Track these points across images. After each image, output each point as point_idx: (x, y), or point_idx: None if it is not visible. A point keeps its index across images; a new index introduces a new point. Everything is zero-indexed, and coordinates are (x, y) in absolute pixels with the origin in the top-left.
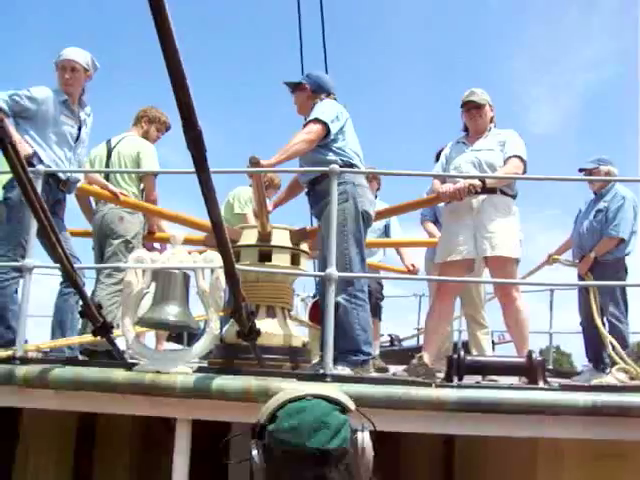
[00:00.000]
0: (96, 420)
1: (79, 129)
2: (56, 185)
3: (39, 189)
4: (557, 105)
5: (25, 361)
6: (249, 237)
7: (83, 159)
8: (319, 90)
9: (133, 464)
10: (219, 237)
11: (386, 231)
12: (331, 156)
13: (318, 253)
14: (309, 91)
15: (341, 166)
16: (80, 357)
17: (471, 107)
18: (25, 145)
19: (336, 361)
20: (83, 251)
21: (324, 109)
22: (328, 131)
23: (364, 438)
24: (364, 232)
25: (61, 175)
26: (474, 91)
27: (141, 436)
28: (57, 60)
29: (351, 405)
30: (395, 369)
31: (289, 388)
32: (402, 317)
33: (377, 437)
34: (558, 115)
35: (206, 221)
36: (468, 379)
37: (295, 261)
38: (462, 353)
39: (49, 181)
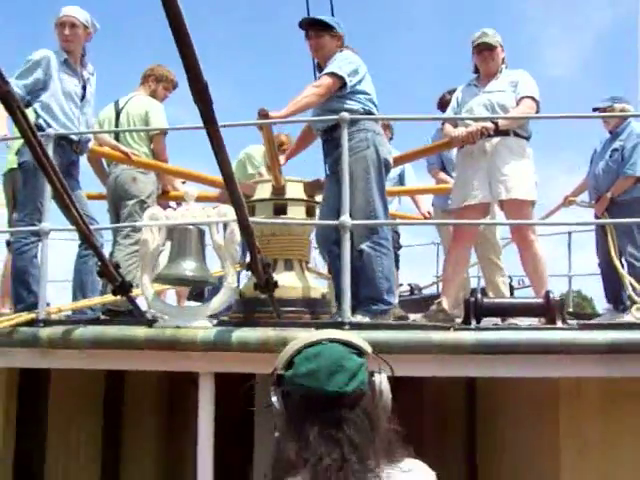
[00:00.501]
0: (123, 378)
1: (84, 88)
2: (69, 147)
3: (51, 152)
4: (573, 46)
5: (48, 323)
6: (263, 191)
7: (91, 119)
8: (342, 41)
9: (161, 420)
10: (231, 190)
11: (400, 179)
12: (352, 104)
13: (323, 204)
14: (341, 40)
15: (362, 114)
16: (102, 317)
17: (483, 49)
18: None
19: (356, 310)
20: (99, 214)
21: (341, 63)
22: (344, 84)
23: (381, 381)
24: (385, 181)
25: (73, 136)
26: (486, 32)
27: (168, 392)
28: (56, 19)
29: (368, 348)
30: (415, 317)
31: (305, 335)
32: (421, 266)
33: (397, 382)
34: (575, 56)
35: (219, 177)
36: (487, 322)
37: (310, 213)
38: (479, 296)
39: (61, 143)
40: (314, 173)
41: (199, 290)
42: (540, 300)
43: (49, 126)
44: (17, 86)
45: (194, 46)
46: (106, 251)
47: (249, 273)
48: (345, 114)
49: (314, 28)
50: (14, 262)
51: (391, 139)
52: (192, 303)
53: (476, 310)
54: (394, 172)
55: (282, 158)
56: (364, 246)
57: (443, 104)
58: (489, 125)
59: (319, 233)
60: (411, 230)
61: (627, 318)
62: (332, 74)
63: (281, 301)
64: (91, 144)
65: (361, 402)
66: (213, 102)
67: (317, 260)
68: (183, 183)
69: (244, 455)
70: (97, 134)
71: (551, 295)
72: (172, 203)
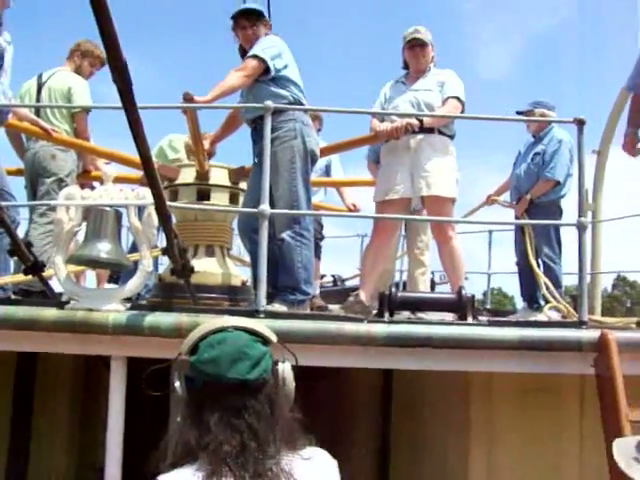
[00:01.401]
0: (36, 359)
1: (1, 57)
2: None
3: None
4: (507, 49)
5: None
6: (187, 176)
7: (7, 90)
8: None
9: (74, 404)
10: (148, 172)
11: (327, 171)
12: (281, 91)
13: (248, 191)
14: (268, 26)
15: (291, 102)
16: (13, 297)
17: (415, 45)
18: None
19: (273, 298)
20: (18, 190)
21: (265, 45)
22: (267, 68)
23: (285, 369)
24: (310, 172)
25: None
26: (418, 29)
27: (81, 374)
28: None
29: (273, 337)
30: (335, 308)
31: (212, 321)
32: (344, 258)
33: (310, 372)
34: (508, 60)
35: None
36: (403, 316)
37: (234, 200)
38: (394, 289)
39: None
40: (241, 161)
41: (119, 274)
42: (452, 296)
43: None
44: None
45: (113, 22)
46: (23, 229)
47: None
48: (269, 103)
49: (250, 18)
50: None
51: (319, 130)
52: (112, 285)
53: (390, 303)
54: (321, 163)
55: (206, 143)
56: (285, 235)
57: None
58: (414, 122)
59: (241, 220)
60: (338, 222)
61: (540, 317)
62: (255, 56)
63: (201, 287)
64: (10, 117)
65: (263, 390)
66: (132, 83)
67: (241, 248)
68: (107, 164)
69: (156, 440)
70: (16, 108)
71: (463, 291)
72: (96, 184)
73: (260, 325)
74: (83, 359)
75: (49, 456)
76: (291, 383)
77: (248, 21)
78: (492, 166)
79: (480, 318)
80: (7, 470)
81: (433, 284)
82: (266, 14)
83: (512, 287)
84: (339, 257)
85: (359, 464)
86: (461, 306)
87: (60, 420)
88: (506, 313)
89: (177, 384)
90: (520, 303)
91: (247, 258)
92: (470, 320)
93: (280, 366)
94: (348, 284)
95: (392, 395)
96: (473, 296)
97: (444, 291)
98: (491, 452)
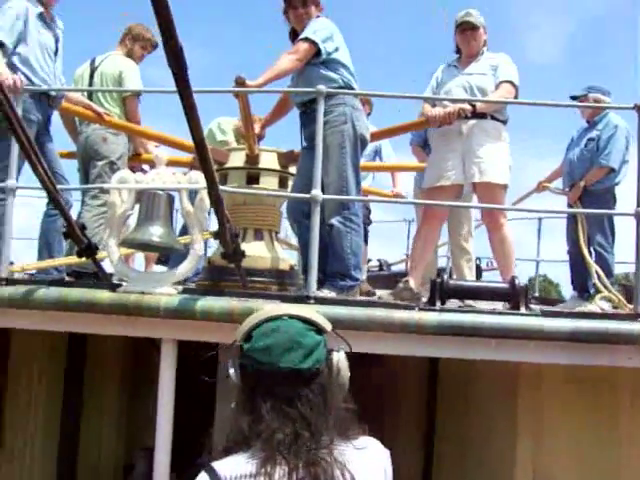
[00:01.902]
0: (86, 341)
1: (56, 42)
2: (47, 102)
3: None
4: (557, 33)
5: (11, 282)
6: (237, 159)
7: (60, 76)
8: (318, 6)
9: (123, 385)
10: (201, 156)
11: (375, 156)
12: (331, 74)
13: (297, 175)
14: (320, 7)
15: (341, 86)
16: (67, 279)
17: (466, 28)
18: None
19: (323, 284)
20: (70, 173)
21: (316, 27)
22: (318, 50)
23: (339, 359)
24: (360, 156)
25: (53, 92)
26: (470, 12)
27: (131, 356)
28: None
29: (328, 326)
30: (382, 294)
31: (266, 309)
32: (391, 242)
33: (358, 358)
34: (558, 43)
35: (192, 142)
36: (450, 304)
37: (283, 184)
38: (446, 277)
39: (41, 99)
40: (289, 144)
41: (168, 255)
42: (505, 285)
43: (29, 80)
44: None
45: (170, 6)
46: (75, 211)
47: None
48: (322, 87)
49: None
50: None
51: (369, 114)
52: (160, 267)
53: (441, 291)
54: (370, 147)
55: (257, 127)
56: (334, 221)
57: None
58: (467, 107)
59: (290, 204)
60: (383, 206)
61: (591, 306)
62: (307, 39)
63: (249, 271)
64: (63, 101)
65: (317, 379)
66: (187, 66)
67: (288, 231)
68: (156, 147)
69: (205, 423)
70: (70, 92)
71: (516, 280)
72: (145, 166)
73: (315, 313)
74: (131, 341)
75: (98, 438)
76: (346, 373)
77: (300, 1)
78: (539, 151)
79: (532, 307)
80: (59, 451)
81: (479, 271)
82: None
83: (557, 274)
84: (384, 241)
85: (403, 451)
86: (514, 295)
87: (109, 402)
88: (554, 302)
89: (232, 371)
90: (566, 291)
91: (294, 241)
92: (523, 310)
93: (335, 355)
94: (394, 269)
95: (438, 383)
96: (526, 285)
97: (491, 279)
98: (538, 444)
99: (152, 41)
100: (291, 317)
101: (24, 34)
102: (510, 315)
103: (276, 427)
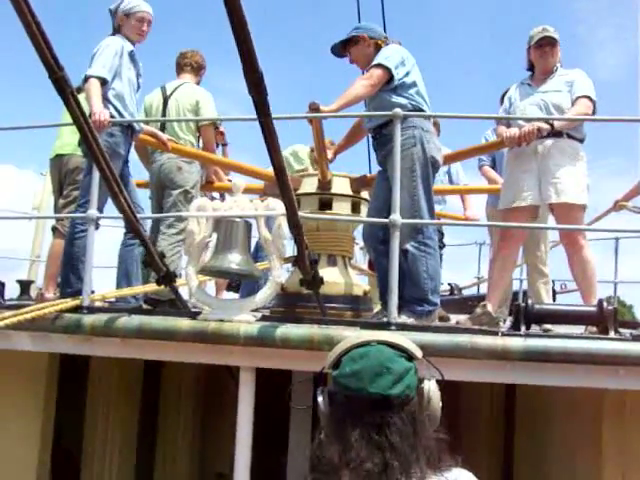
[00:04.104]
0: (162, 368)
1: (137, 78)
2: (130, 136)
3: (121, 141)
4: (624, 50)
5: (92, 310)
6: (309, 185)
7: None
8: (377, 35)
9: (197, 412)
10: (282, 184)
11: (449, 178)
12: (401, 100)
13: (372, 200)
14: (367, 39)
15: (410, 110)
16: (144, 306)
17: (545, 44)
18: (103, 111)
19: (400, 310)
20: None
21: (388, 54)
22: (391, 76)
23: (430, 387)
24: (432, 179)
25: (136, 126)
26: (547, 28)
27: (204, 384)
28: (130, 9)
29: (418, 353)
30: (456, 318)
31: (354, 335)
32: (460, 266)
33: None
34: (625, 60)
35: (264, 169)
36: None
37: (355, 209)
38: (530, 301)
39: (127, 132)
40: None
41: (239, 282)
42: (593, 308)
43: (120, 115)
44: (103, 73)
45: (251, 37)
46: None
47: (290, 266)
48: (398, 110)
49: (343, 49)
50: (66, 248)
51: (438, 136)
52: (231, 294)
53: (526, 316)
54: (441, 170)
55: (330, 153)
56: (409, 246)
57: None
58: (544, 126)
59: (366, 230)
60: (451, 230)
61: None
62: (379, 65)
63: (324, 297)
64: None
65: (407, 407)
66: (267, 94)
67: (358, 257)
68: (226, 174)
69: (279, 452)
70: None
71: (604, 304)
72: (215, 194)
73: (405, 340)
74: (206, 368)
75: (172, 463)
76: (437, 403)
77: (344, 51)
78: (606, 170)
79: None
80: (136, 475)
81: (554, 293)
82: (361, 32)
83: (631, 297)
84: (453, 265)
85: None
86: (603, 319)
87: (184, 428)
88: (634, 324)
89: (320, 399)
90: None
91: (365, 266)
92: (612, 334)
93: (426, 384)
94: (465, 293)
95: (515, 409)
96: (615, 309)
97: (567, 302)
98: (626, 474)
99: (205, 66)
100: (380, 343)
101: (119, 70)
102: (599, 340)
103: (365, 456)
